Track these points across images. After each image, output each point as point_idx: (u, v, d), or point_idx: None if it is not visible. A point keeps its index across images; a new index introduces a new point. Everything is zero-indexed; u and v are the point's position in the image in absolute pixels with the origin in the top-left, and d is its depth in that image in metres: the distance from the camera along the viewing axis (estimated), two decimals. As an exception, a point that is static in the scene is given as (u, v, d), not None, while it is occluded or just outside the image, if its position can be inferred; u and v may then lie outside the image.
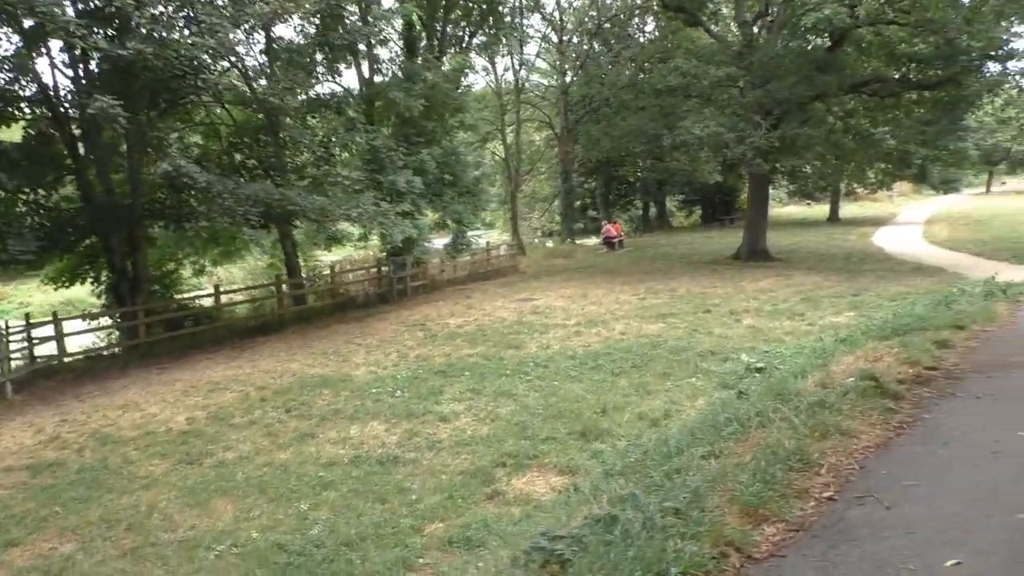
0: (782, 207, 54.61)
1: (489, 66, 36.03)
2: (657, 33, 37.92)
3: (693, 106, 21.28)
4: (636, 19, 40.08)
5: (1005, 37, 19.68)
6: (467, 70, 27.73)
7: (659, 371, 11.88)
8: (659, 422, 9.39)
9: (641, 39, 39.72)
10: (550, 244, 40.15)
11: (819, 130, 21.28)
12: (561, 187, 38.38)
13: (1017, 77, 21.43)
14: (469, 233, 27.28)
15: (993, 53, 19.80)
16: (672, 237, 38.57)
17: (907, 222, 41.26)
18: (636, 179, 43.78)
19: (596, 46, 39.61)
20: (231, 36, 16.64)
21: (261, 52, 20.72)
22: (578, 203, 46.71)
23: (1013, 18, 19.59)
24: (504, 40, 28.68)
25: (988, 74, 20.94)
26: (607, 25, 38.65)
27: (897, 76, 23.92)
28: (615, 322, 16.25)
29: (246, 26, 17.47)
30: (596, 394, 10.83)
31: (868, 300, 16.84)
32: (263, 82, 19.72)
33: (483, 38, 28.22)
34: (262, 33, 19.59)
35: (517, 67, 36.21)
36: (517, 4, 32.76)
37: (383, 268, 23.90)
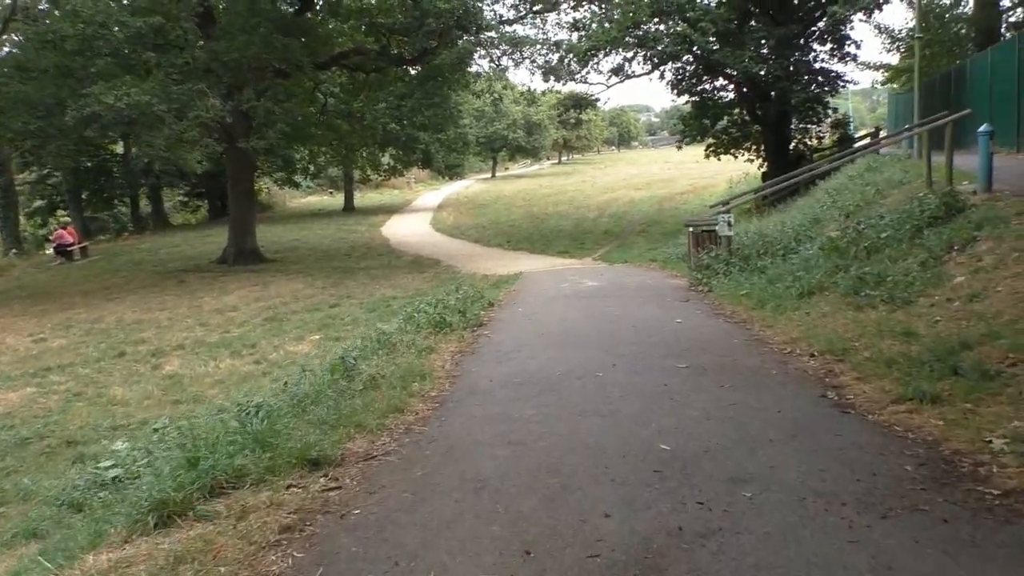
0: (303, 197, 51.19)
1: None
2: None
3: (106, 67, 15.57)
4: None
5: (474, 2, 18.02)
6: None
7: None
8: None
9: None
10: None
11: (280, 103, 17.30)
12: (-2, 183, 29.18)
13: (487, 48, 20.26)
14: None
15: (457, 21, 17.92)
16: (163, 238, 32.11)
17: (421, 208, 40.87)
18: (115, 170, 35.90)
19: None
20: None
21: None
22: (43, 201, 37.18)
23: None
24: None
25: (459, 44, 19.29)
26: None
27: (378, 49, 21.31)
28: (-45, 393, 10.29)
29: None
30: None
31: (344, 313, 13.54)
32: None
33: None
34: None
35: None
36: None
37: None
